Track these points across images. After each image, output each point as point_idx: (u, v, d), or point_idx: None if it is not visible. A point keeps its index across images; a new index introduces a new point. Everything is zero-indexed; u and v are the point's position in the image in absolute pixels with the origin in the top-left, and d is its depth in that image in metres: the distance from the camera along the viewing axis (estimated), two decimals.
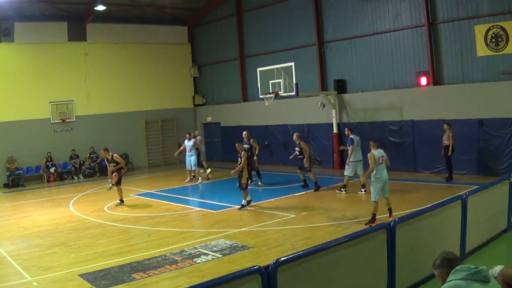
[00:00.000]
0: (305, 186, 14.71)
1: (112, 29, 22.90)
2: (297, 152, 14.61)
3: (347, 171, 13.52)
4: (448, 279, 3.47)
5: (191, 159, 17.36)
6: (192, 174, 17.96)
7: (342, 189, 13.49)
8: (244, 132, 16.39)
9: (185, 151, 17.78)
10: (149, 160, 23.95)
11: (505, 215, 8.38)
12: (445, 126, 14.11)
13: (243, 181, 12.15)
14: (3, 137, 19.86)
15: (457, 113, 15.03)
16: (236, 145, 12.83)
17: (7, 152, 19.88)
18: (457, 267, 3.48)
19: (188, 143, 17.53)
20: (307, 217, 11.07)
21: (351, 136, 13.54)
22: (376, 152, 9.97)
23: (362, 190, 13.20)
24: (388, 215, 10.08)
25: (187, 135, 18.12)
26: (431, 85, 15.90)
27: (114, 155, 14.01)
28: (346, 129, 14.29)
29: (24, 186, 19.71)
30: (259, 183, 15.76)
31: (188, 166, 17.58)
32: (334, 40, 18.91)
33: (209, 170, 18.19)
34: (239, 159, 12.30)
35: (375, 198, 9.92)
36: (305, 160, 14.24)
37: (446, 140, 14.02)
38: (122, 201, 13.89)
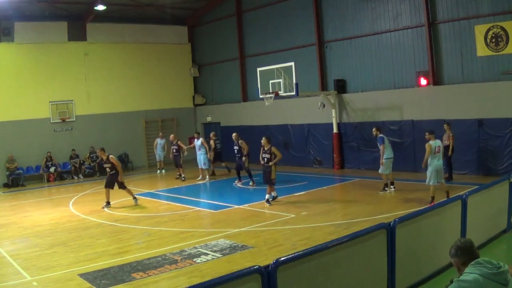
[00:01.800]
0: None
1: (112, 29, 22.91)
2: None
3: (383, 170, 13.25)
4: (467, 270, 3.32)
5: (200, 158, 17.47)
6: (179, 173, 18.51)
7: (386, 188, 13.26)
8: (234, 134, 16.43)
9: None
10: (149, 160, 23.93)
11: (505, 215, 8.38)
12: (445, 126, 14.11)
13: (273, 176, 12.50)
14: (3, 137, 19.85)
15: (457, 113, 15.03)
16: (262, 141, 12.77)
17: (7, 152, 19.87)
18: (479, 260, 3.32)
19: (196, 142, 17.70)
20: (307, 217, 11.07)
21: (380, 135, 13.41)
22: (433, 143, 11.20)
23: (392, 187, 13.26)
24: (445, 197, 10.56)
25: (196, 134, 18.52)
26: (431, 85, 15.90)
27: (110, 156, 13.60)
28: (374, 128, 13.79)
29: (24, 186, 19.70)
30: (251, 183, 15.82)
31: (199, 165, 17.72)
32: (334, 40, 18.91)
33: (162, 171, 20.87)
34: (264, 156, 12.60)
35: (430, 182, 11.19)
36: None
37: (446, 140, 14.02)
38: (135, 198, 13.82)
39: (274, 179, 12.61)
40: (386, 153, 13.18)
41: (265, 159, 12.60)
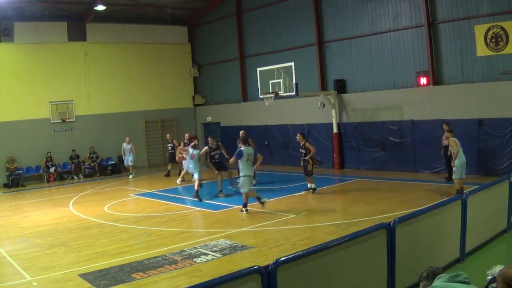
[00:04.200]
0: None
1: (112, 29, 22.90)
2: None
3: (245, 188, 11.73)
4: (433, 284, 3.81)
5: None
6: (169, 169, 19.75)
7: (243, 209, 11.75)
8: (241, 131, 16.37)
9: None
10: (149, 160, 23.95)
11: (505, 215, 8.38)
12: (445, 126, 14.09)
13: (309, 168, 13.51)
14: (3, 137, 19.85)
15: (457, 113, 15.03)
16: (298, 137, 13.90)
17: (7, 152, 19.87)
18: (439, 275, 3.83)
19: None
20: (307, 217, 11.08)
21: (241, 147, 12.16)
22: (456, 139, 11.66)
23: (244, 210, 11.71)
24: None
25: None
26: (431, 85, 15.90)
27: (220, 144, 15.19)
28: (241, 133, 12.58)
29: (24, 186, 19.70)
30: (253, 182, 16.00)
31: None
32: (334, 40, 18.91)
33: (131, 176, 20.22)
34: (301, 150, 13.70)
35: (460, 175, 11.55)
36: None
37: (446, 139, 13.98)
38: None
39: (311, 171, 13.58)
40: (245, 169, 11.77)
41: (302, 153, 13.72)
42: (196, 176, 14.32)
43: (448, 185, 13.62)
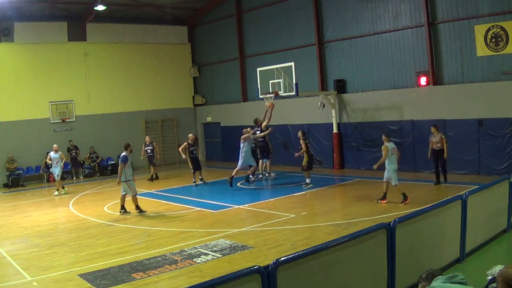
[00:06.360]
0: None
1: (112, 29, 22.91)
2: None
3: (128, 190, 12.50)
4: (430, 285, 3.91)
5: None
6: (155, 173, 19.43)
7: (121, 210, 12.58)
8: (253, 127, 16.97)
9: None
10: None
11: (505, 215, 8.39)
12: (433, 129, 13.47)
13: (304, 163, 14.54)
14: (3, 137, 19.86)
15: (457, 113, 15.04)
16: (299, 134, 14.89)
17: (7, 152, 19.88)
18: (437, 277, 3.91)
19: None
20: (307, 217, 11.08)
21: (124, 153, 12.60)
22: (389, 145, 11.59)
23: (122, 211, 12.53)
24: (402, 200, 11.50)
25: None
26: (431, 85, 15.91)
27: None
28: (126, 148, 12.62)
29: (24, 186, 19.71)
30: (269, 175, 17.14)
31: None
32: (334, 40, 18.91)
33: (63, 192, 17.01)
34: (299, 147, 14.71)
35: (396, 182, 11.57)
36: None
37: (439, 143, 13.33)
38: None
39: (304, 166, 14.57)
40: (127, 174, 12.44)
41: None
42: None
43: (448, 185, 13.61)
